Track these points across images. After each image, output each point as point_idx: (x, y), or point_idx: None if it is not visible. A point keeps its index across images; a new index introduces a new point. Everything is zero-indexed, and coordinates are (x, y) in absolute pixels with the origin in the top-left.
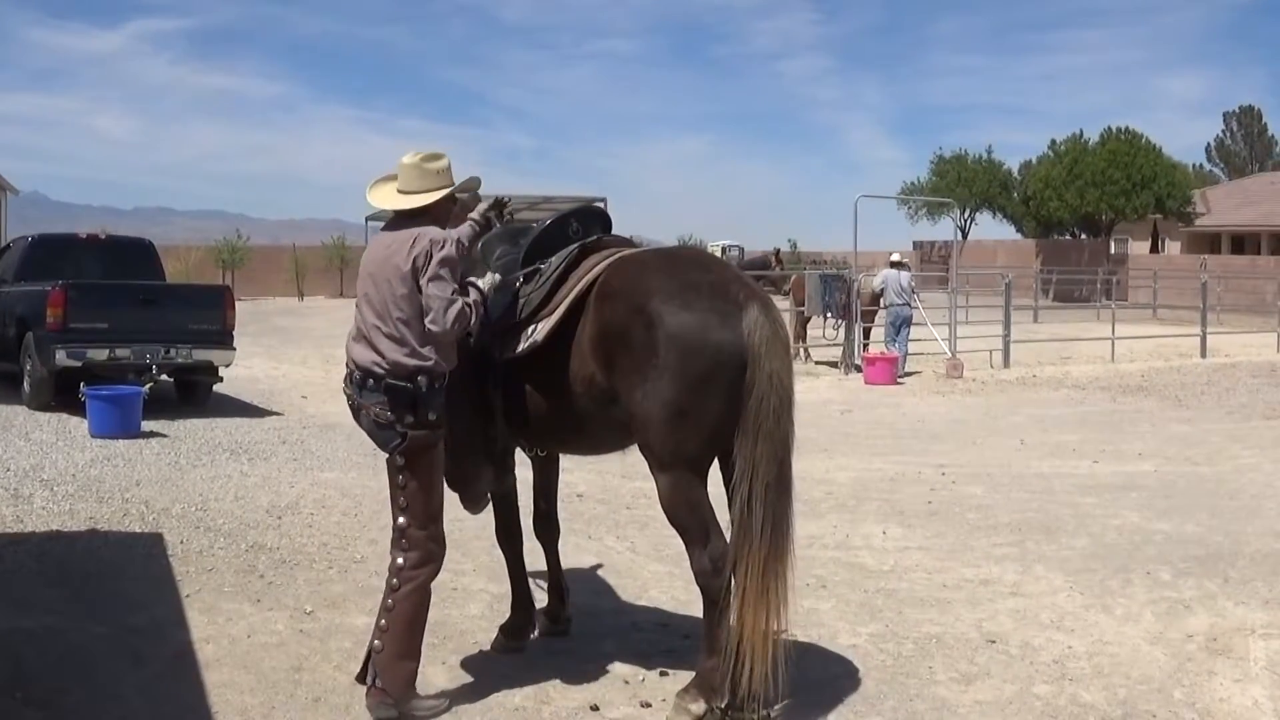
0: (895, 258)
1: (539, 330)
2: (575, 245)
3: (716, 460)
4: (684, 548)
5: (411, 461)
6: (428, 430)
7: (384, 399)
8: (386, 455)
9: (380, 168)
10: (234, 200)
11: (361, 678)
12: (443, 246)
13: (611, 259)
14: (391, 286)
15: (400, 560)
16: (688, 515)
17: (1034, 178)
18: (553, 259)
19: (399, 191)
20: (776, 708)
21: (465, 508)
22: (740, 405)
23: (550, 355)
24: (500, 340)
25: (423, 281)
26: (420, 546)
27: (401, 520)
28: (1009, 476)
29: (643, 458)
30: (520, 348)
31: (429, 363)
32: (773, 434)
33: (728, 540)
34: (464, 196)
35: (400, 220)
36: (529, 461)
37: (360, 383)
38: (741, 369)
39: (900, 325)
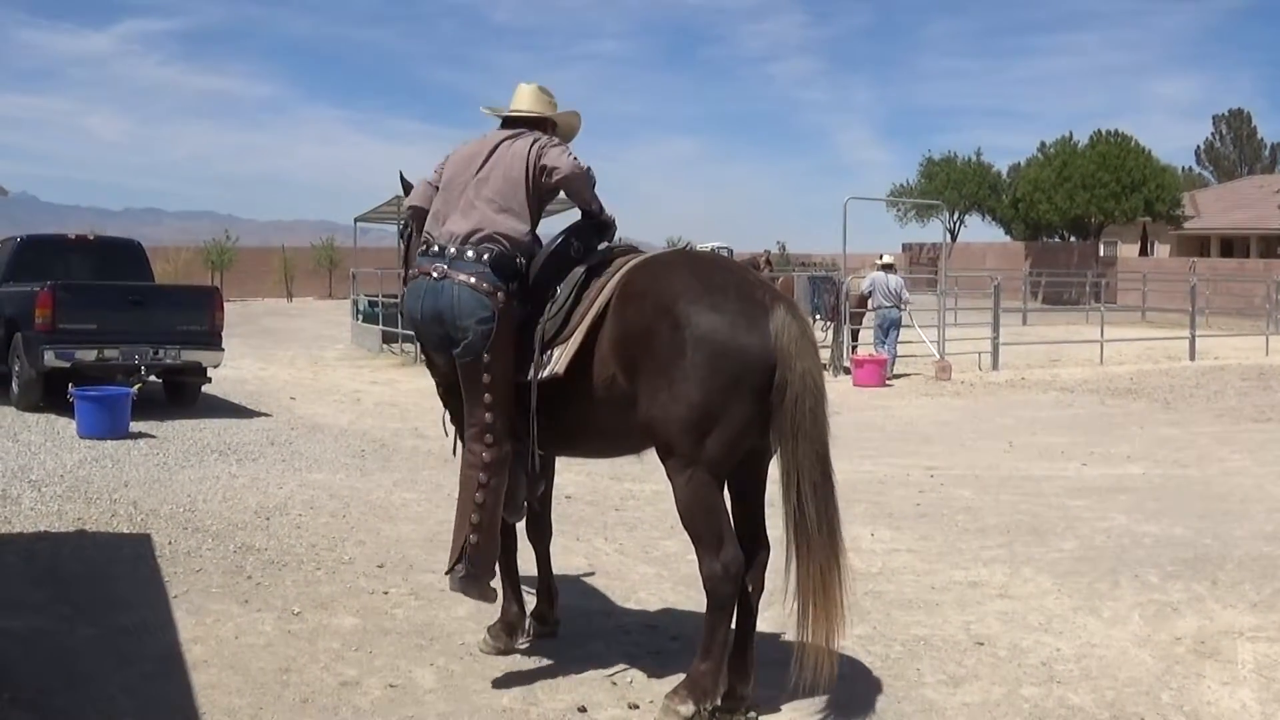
0: (885, 259)
1: (558, 360)
2: (581, 269)
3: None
4: (672, 549)
5: (495, 353)
6: (509, 317)
7: (485, 269)
8: (463, 351)
9: (370, 169)
10: (223, 201)
11: (451, 569)
12: (555, 142)
13: (626, 266)
14: (511, 171)
15: (486, 455)
16: (704, 521)
17: (1023, 180)
18: (560, 287)
19: (513, 110)
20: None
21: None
22: (765, 409)
23: (571, 368)
24: (518, 366)
25: (550, 149)
26: (504, 440)
27: (488, 416)
28: (997, 479)
29: (639, 459)
30: (541, 375)
31: (530, 242)
32: (811, 434)
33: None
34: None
35: (505, 127)
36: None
37: (456, 254)
38: (768, 372)
39: (888, 328)
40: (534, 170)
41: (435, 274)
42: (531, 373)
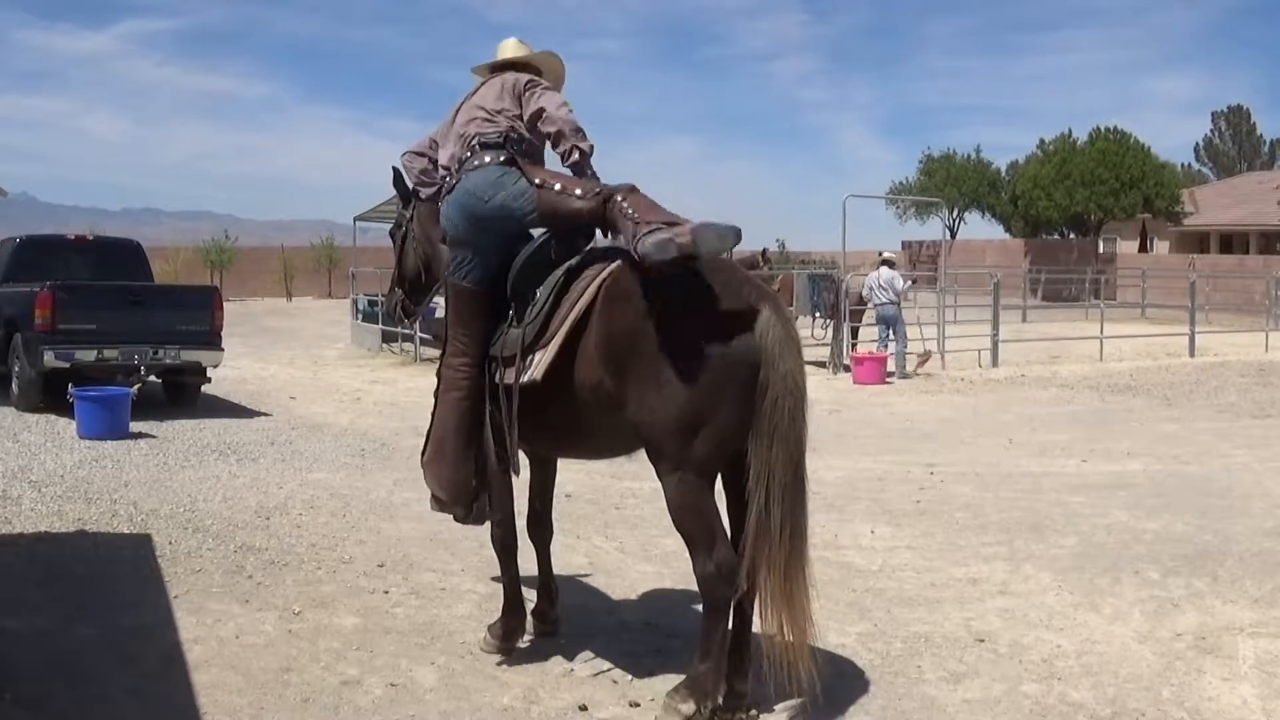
0: (884, 256)
1: (537, 366)
2: (560, 272)
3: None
4: (672, 547)
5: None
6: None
7: (480, 152)
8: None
9: (369, 168)
10: (222, 201)
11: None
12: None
13: (609, 267)
14: (492, 91)
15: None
16: (695, 521)
17: (1023, 177)
18: (539, 290)
19: (499, 59)
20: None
21: (459, 518)
22: (752, 408)
23: (554, 370)
24: (501, 369)
25: (535, 90)
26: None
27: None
28: (997, 476)
29: (637, 458)
30: (523, 379)
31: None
32: (787, 435)
33: (738, 545)
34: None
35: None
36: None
37: (459, 168)
38: (754, 371)
39: (888, 324)
40: (515, 89)
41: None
42: (513, 377)
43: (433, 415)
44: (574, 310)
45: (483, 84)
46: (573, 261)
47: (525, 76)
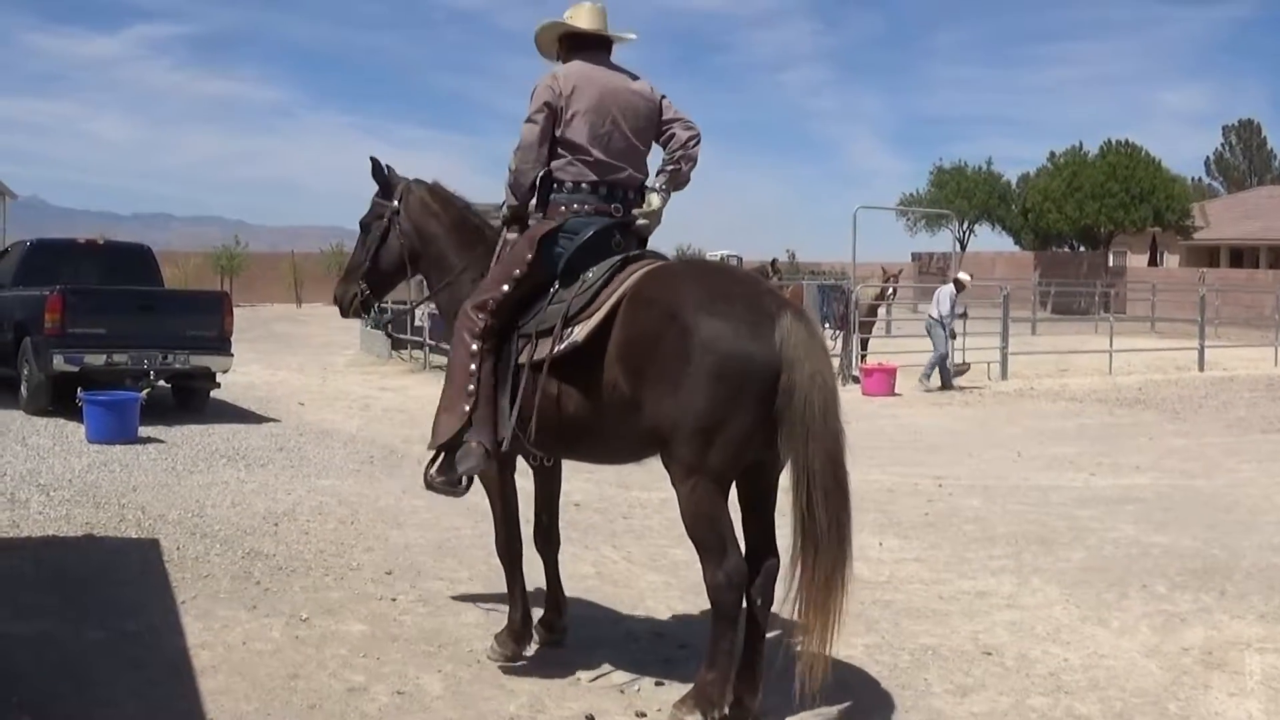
0: (954, 276)
1: (579, 332)
2: (619, 257)
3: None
4: (680, 557)
5: None
6: None
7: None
8: None
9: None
10: (232, 206)
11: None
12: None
13: (644, 269)
14: (643, 116)
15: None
16: (707, 529)
17: (1033, 190)
18: (593, 269)
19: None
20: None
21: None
22: (770, 417)
23: (577, 361)
24: (533, 344)
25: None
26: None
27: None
28: (1006, 488)
29: (646, 468)
30: (559, 348)
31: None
32: (823, 434)
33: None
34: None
35: (598, 55)
36: (530, 472)
37: (630, 199)
38: (773, 380)
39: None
40: (660, 119)
41: (616, 214)
42: (549, 348)
43: (451, 362)
44: (606, 305)
45: (622, 84)
46: (631, 252)
47: (664, 98)
